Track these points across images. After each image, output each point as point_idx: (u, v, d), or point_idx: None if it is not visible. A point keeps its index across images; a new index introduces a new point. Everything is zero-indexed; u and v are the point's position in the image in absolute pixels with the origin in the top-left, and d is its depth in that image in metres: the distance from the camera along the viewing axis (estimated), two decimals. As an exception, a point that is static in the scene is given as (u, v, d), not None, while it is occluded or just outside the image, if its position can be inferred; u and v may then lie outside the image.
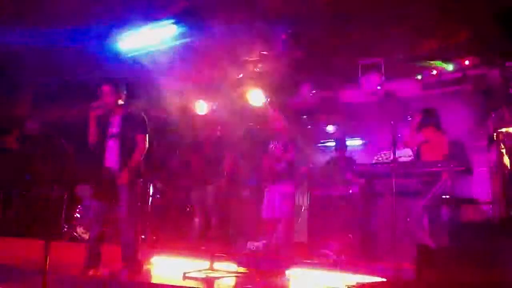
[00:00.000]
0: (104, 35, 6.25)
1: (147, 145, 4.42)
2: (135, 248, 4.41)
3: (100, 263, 4.32)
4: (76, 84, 7.57)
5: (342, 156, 6.88)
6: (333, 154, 7.15)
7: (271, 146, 5.82)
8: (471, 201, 5.72)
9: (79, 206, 6.92)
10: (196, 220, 5.84)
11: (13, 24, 6.11)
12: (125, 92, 4.50)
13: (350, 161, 6.70)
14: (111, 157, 4.36)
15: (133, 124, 4.40)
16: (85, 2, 5.66)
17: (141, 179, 4.52)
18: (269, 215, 5.72)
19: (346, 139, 7.44)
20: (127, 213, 4.31)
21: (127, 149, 4.33)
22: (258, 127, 6.86)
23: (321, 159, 7.65)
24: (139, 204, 4.75)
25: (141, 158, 4.40)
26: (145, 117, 4.49)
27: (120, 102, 4.46)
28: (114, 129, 4.41)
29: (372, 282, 3.93)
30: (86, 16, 6.00)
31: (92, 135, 4.38)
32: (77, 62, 6.93)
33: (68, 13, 5.94)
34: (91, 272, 4.18)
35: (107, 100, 4.38)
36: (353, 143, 9.17)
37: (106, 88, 4.39)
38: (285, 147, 5.69)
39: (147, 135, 4.44)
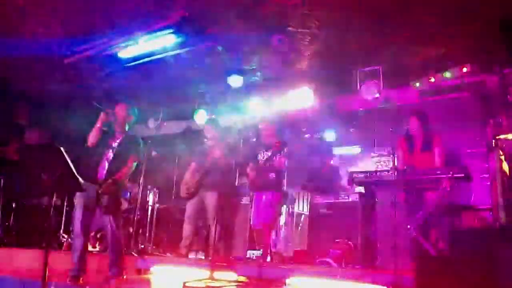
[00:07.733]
0: (104, 45, 6.28)
1: (134, 165, 4.74)
2: (122, 256, 4.63)
3: (86, 271, 4.48)
4: (75, 93, 7.61)
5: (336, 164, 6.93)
6: (332, 162, 7.18)
7: (260, 155, 5.78)
8: (471, 208, 5.72)
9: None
10: (187, 229, 5.79)
11: (13, 34, 6.14)
12: (134, 118, 4.85)
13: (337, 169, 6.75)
14: (102, 167, 4.59)
15: (130, 145, 4.74)
16: (84, 12, 5.69)
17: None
18: (257, 223, 5.71)
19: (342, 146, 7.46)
20: (113, 222, 4.49)
21: (117, 165, 4.60)
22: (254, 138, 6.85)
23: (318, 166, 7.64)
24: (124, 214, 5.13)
25: (128, 175, 4.71)
26: (141, 141, 4.88)
27: (127, 124, 4.79)
28: (114, 142, 4.70)
29: (373, 290, 3.92)
30: (86, 26, 6.03)
31: (94, 136, 4.58)
32: (77, 72, 6.97)
33: (68, 24, 5.98)
34: (80, 281, 4.34)
35: (119, 113, 4.72)
36: (352, 150, 9.15)
37: (122, 105, 4.79)
38: (274, 156, 5.58)
39: (138, 156, 4.78)
